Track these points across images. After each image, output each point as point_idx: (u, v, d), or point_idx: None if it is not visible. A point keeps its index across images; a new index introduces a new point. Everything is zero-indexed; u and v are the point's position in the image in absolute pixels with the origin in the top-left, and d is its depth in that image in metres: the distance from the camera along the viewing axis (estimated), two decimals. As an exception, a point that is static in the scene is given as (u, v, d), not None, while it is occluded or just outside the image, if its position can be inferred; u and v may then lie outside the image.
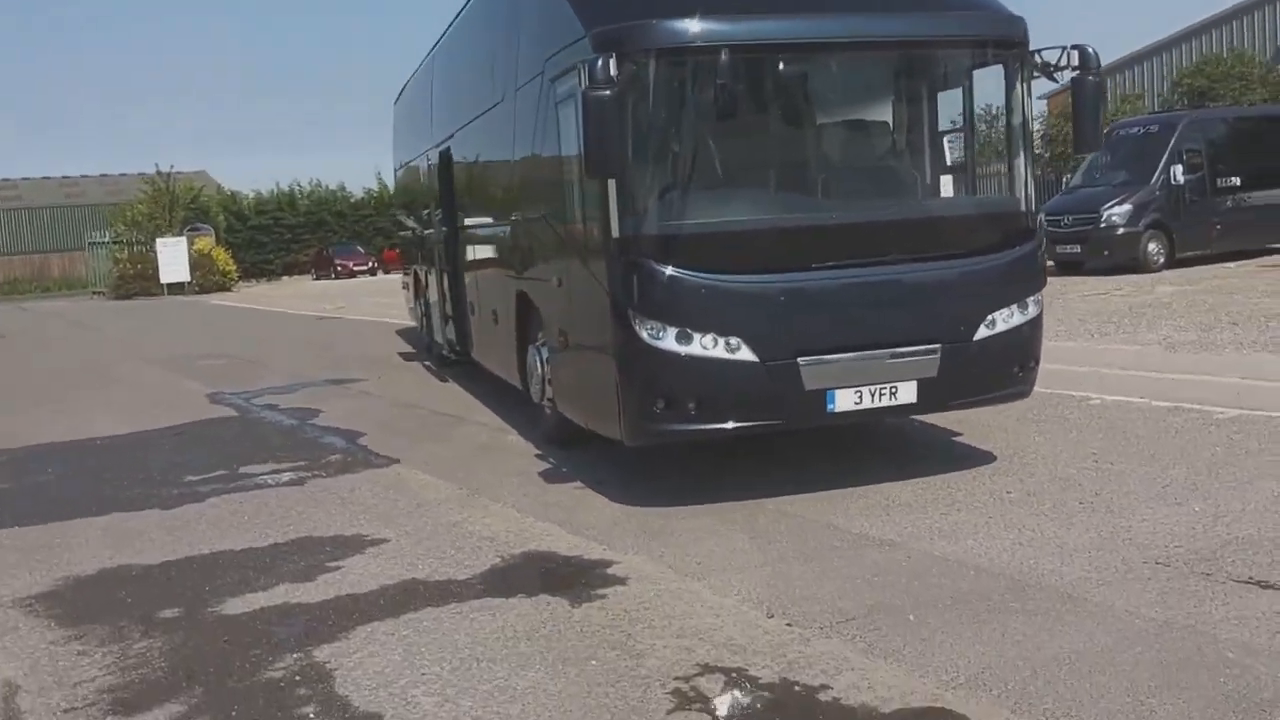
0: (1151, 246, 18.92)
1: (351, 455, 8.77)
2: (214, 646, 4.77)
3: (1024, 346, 6.61)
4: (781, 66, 6.45)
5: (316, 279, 49.00)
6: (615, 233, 6.09)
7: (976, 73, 6.84)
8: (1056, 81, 6.59)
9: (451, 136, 11.53)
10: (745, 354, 6.04)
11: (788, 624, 4.61)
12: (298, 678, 4.35)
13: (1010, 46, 6.53)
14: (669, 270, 6.00)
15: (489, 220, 10.13)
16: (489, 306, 10.15)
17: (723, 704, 3.93)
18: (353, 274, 48.05)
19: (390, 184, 55.49)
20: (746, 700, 3.95)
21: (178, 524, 6.92)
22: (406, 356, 15.64)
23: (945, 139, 7.01)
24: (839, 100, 7.11)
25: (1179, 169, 18.92)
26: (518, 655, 4.44)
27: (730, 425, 6.19)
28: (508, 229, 8.97)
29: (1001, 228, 6.65)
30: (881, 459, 7.26)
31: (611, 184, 6.02)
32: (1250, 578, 4.79)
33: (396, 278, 43.85)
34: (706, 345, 6.02)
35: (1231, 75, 28.75)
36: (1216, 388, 8.75)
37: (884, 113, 7.19)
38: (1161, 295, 15.19)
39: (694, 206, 6.24)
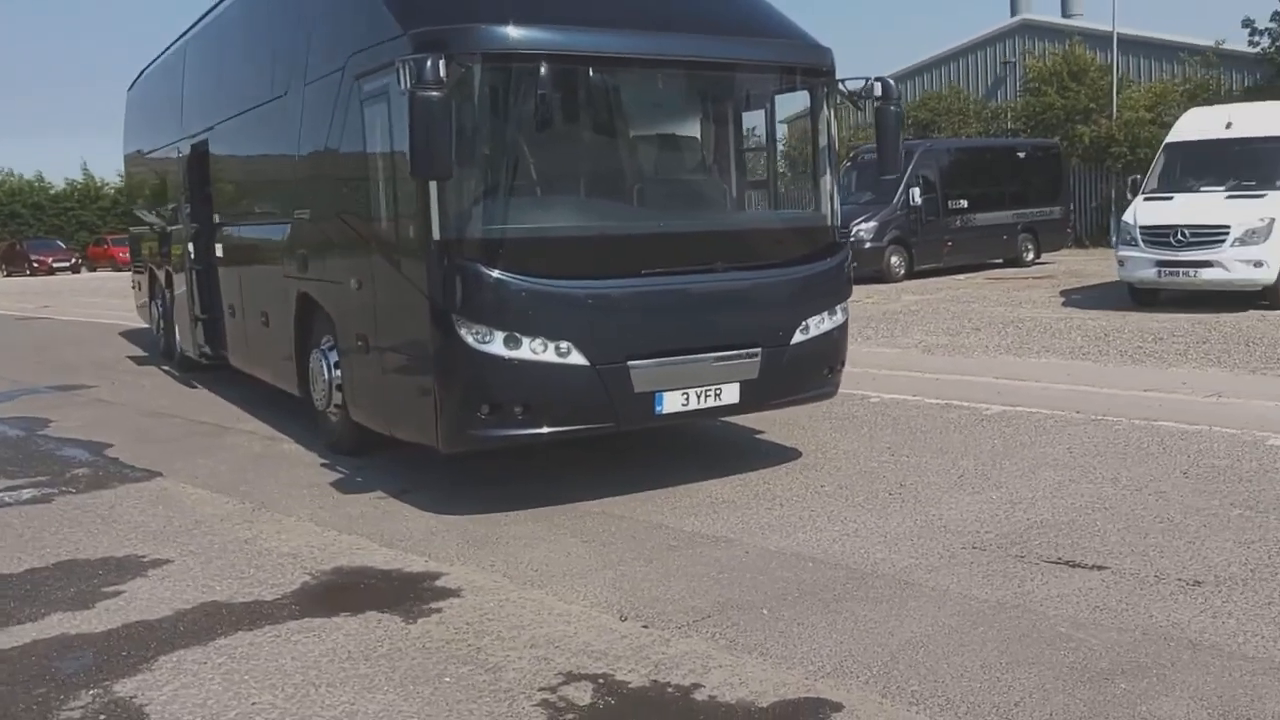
0: (894, 259, 20.47)
1: (101, 469, 7.81)
2: (-19, 690, 4.04)
3: (833, 350, 6.88)
4: (605, 78, 6.36)
5: (8, 275, 44.25)
6: (436, 235, 5.80)
7: (787, 96, 7.09)
8: (860, 109, 6.91)
9: (211, 129, 10.63)
10: (576, 358, 5.89)
11: (644, 626, 4.45)
12: (102, 716, 3.74)
13: (819, 75, 6.81)
14: (496, 274, 5.76)
15: (259, 218, 9.39)
16: (257, 308, 9.41)
17: (597, 711, 3.71)
18: (52, 271, 43.80)
19: (101, 175, 51.60)
20: (622, 706, 3.76)
21: (-104, 552, 5.88)
22: (139, 360, 14.30)
23: (760, 156, 7.20)
24: (662, 114, 7.12)
25: (916, 192, 20.52)
26: (359, 677, 4.02)
27: (559, 429, 6.02)
28: (286, 228, 8.34)
29: (814, 240, 6.89)
30: (694, 459, 7.26)
31: (433, 186, 5.73)
32: (1058, 558, 5.10)
33: (105, 275, 40.68)
34: (536, 349, 5.82)
35: (951, 110, 31.48)
36: (977, 386, 9.43)
37: (705, 129, 7.31)
38: (908, 303, 16.33)
39: (521, 211, 6.09)
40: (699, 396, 6.24)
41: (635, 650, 4.19)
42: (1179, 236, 13.69)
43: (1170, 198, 14.34)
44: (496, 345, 5.79)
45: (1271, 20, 27.11)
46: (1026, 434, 7.64)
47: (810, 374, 6.75)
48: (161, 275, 13.51)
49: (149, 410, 10.35)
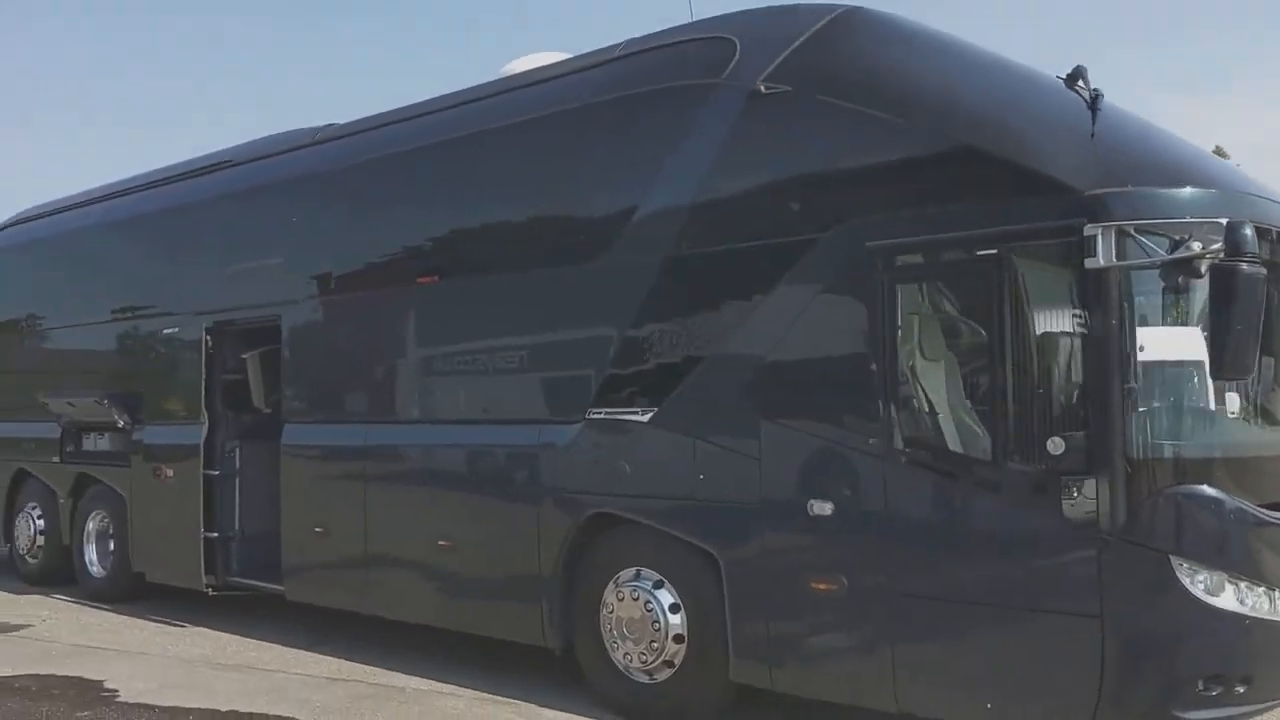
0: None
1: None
2: None
3: None
4: None
5: None
6: (1136, 454, 4.55)
7: None
8: None
9: (293, 303, 8.28)
10: None
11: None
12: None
13: None
14: (1229, 502, 4.56)
15: (435, 417, 7.35)
16: (422, 531, 7.22)
17: None
18: None
19: None
20: None
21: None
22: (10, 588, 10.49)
23: None
24: None
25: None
26: None
27: (1262, 705, 4.79)
28: (559, 431, 6.47)
29: None
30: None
31: (1117, 388, 4.52)
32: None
33: None
34: (1257, 599, 4.63)
35: None
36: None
37: None
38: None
39: (1223, 423, 4.93)
40: None
41: None
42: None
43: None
44: (1226, 598, 4.55)
45: None
46: None
47: None
48: (66, 483, 10.39)
49: (204, 660, 7.62)
